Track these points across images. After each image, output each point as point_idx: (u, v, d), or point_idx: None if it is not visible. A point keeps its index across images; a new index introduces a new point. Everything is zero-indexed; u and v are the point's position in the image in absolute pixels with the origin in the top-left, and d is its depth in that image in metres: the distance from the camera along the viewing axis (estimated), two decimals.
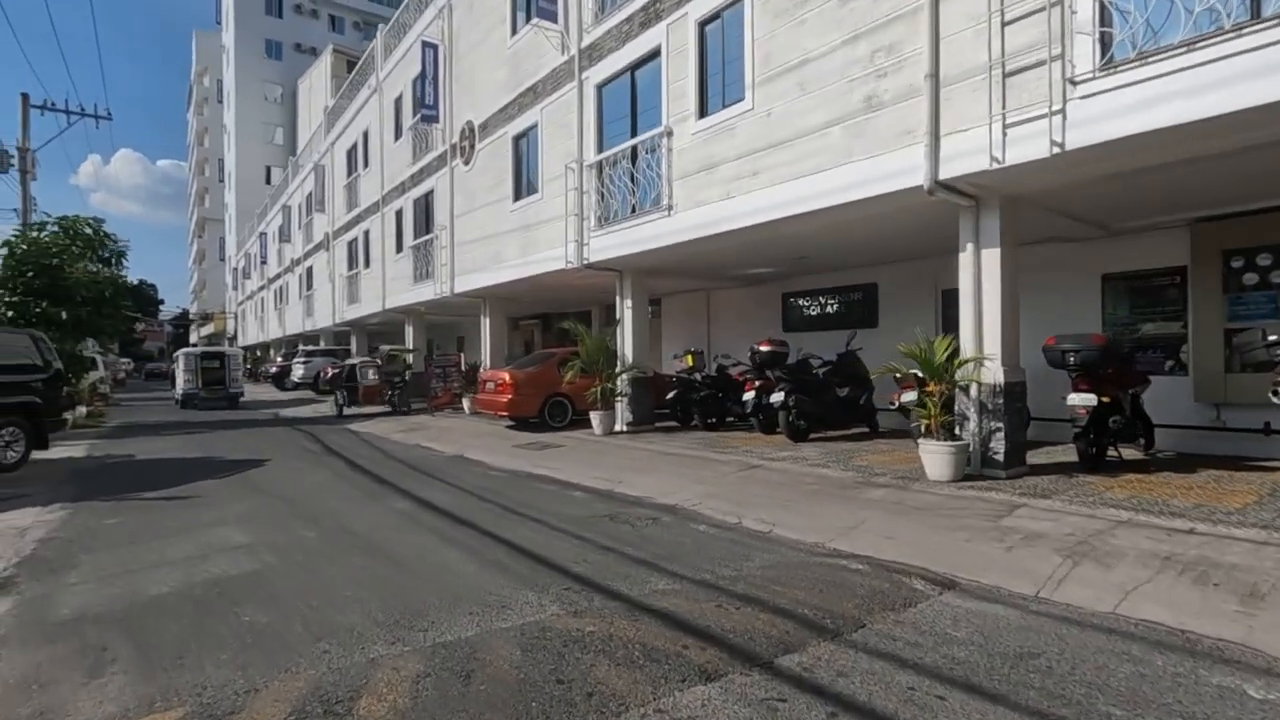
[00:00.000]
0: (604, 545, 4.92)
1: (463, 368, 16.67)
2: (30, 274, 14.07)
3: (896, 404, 7.98)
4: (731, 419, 11.70)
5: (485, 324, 16.09)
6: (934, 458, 6.39)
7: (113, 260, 16.12)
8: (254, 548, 4.99)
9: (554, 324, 20.83)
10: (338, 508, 6.41)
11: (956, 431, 6.57)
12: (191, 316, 75.28)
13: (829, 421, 9.84)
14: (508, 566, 4.46)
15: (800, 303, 12.57)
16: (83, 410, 15.43)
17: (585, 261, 11.01)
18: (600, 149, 10.86)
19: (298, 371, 26.35)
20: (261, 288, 42.09)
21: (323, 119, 29.24)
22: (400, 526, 5.63)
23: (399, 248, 19.39)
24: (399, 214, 19.43)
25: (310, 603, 3.82)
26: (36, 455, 9.46)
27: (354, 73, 24.23)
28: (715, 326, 14.72)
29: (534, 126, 12.53)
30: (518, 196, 13.26)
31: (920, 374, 7.28)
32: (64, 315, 14.22)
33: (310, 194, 29.00)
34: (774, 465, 7.70)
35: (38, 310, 13.87)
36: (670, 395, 11.92)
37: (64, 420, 10.67)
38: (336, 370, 20.57)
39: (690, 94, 8.95)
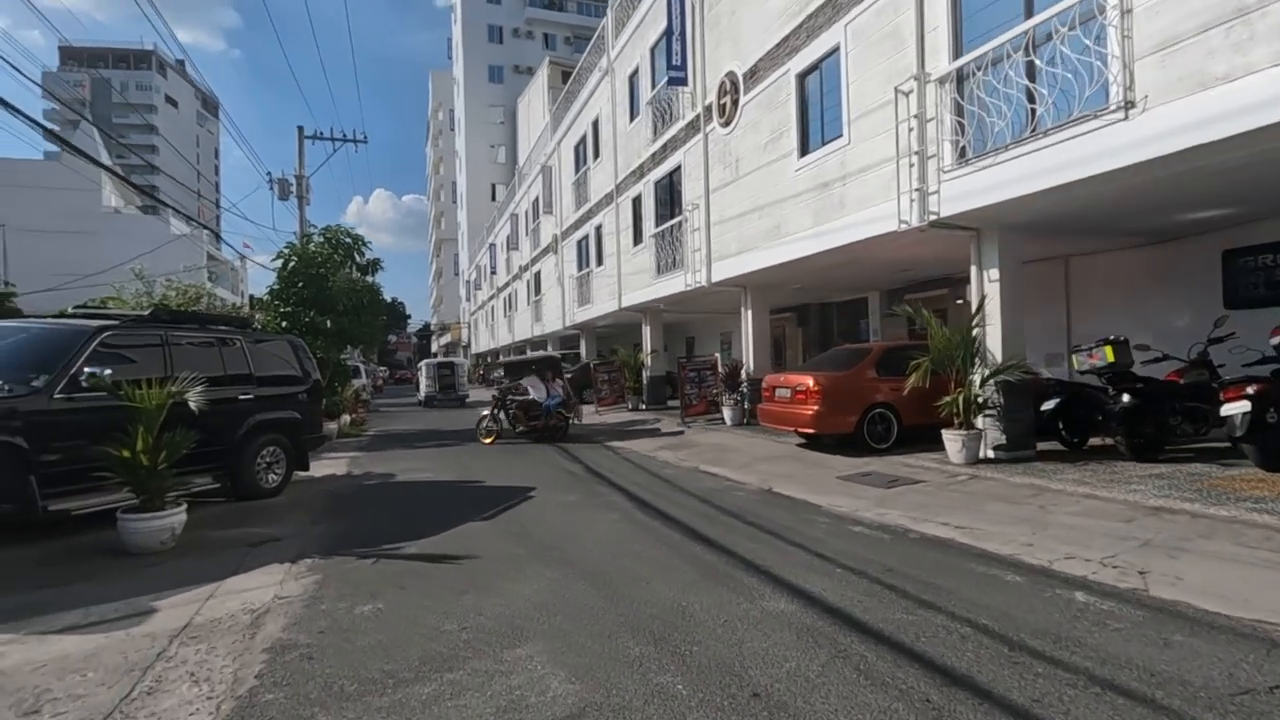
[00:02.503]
0: None
1: (719, 370, 14.14)
2: (300, 285, 14.20)
3: None
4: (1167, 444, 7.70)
5: (746, 317, 13.42)
6: None
7: (369, 269, 16.07)
8: None
9: (811, 316, 17.67)
10: (683, 604, 3.89)
11: None
12: (432, 328, 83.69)
13: None
14: None
15: (1268, 261, 8.12)
16: (346, 419, 15.43)
17: (930, 217, 7.74)
18: (957, 53, 7.54)
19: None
20: (491, 297, 44.07)
21: (546, 122, 29.02)
22: (841, 686, 2.89)
23: (636, 239, 17.51)
24: (635, 201, 17.57)
25: None
26: (298, 475, 8.46)
27: (580, 62, 23.14)
28: (1077, 307, 10.57)
29: (833, 52, 9.52)
30: (805, 150, 10.33)
31: None
32: (328, 324, 14.17)
33: (537, 198, 28.85)
34: None
35: (306, 320, 13.90)
36: (1048, 406, 8.27)
37: (324, 437, 9.78)
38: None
39: None
